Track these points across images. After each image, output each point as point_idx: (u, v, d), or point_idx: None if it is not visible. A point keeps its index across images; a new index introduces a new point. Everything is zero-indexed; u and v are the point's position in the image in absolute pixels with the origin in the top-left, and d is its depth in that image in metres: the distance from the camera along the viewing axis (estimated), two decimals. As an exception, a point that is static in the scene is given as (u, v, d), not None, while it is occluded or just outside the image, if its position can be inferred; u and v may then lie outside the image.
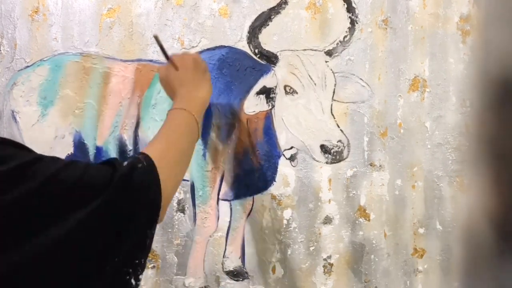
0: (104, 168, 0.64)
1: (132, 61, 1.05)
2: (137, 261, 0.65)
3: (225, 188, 1.06)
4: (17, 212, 0.55)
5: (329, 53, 1.05)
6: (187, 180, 1.06)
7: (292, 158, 1.06)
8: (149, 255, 1.05)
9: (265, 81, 1.05)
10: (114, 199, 0.62)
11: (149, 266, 1.06)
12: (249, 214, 1.06)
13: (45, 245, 0.56)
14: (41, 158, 0.60)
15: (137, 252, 0.65)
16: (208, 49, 1.05)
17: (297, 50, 1.05)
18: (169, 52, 0.91)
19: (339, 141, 1.04)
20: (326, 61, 1.05)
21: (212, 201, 1.06)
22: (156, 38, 0.88)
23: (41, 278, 0.57)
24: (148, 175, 0.67)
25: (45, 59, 1.05)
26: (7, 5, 1.05)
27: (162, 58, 1.04)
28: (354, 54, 1.06)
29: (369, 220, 1.07)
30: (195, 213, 1.06)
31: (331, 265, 1.07)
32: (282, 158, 1.06)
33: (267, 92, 1.05)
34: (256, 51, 1.04)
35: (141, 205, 0.65)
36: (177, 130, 0.79)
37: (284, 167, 1.06)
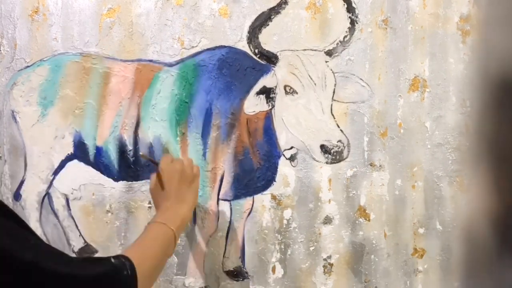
0: (92, 266, 0.67)
1: (132, 61, 1.05)
2: None
3: (225, 188, 1.06)
4: None
5: (329, 53, 1.05)
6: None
7: (292, 158, 1.06)
8: (149, 255, 1.05)
9: (265, 81, 1.05)
10: None
11: (149, 266, 1.06)
12: (249, 214, 1.06)
13: None
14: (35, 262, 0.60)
15: None
16: (208, 49, 1.05)
17: (297, 50, 1.05)
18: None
19: (339, 141, 1.04)
20: (326, 61, 1.05)
21: (212, 201, 1.06)
22: (143, 156, 0.96)
23: None
24: (129, 285, 0.70)
25: (45, 59, 1.05)
26: (7, 5, 1.05)
27: (163, 58, 1.05)
28: (354, 54, 1.06)
29: (369, 220, 1.07)
30: (195, 213, 1.06)
31: (331, 265, 1.07)
32: (282, 158, 1.06)
33: (267, 92, 1.05)
34: (256, 51, 1.04)
35: None
36: (155, 243, 0.82)
37: (284, 167, 1.06)
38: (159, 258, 0.81)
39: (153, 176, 0.91)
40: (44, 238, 1.05)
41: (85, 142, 1.05)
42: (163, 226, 0.84)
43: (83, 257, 0.66)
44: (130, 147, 1.05)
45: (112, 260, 0.70)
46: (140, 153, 1.01)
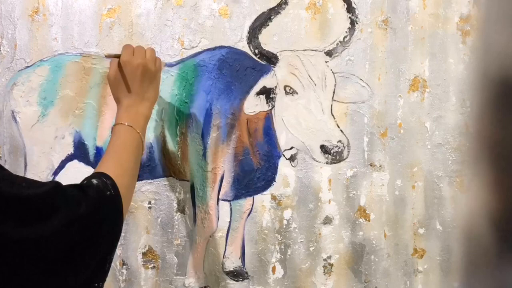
0: (74, 190, 0.68)
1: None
2: (96, 285, 0.68)
3: (225, 188, 1.06)
4: None
5: (329, 53, 1.05)
6: (187, 181, 1.06)
7: (292, 159, 1.06)
8: (149, 255, 1.05)
9: (265, 81, 1.05)
10: (81, 224, 0.65)
11: (149, 266, 1.06)
12: (249, 214, 1.06)
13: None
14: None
15: (96, 277, 0.69)
16: (208, 50, 1.05)
17: (297, 51, 1.05)
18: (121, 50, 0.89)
19: (339, 141, 1.04)
20: (326, 61, 1.05)
21: (212, 201, 1.06)
22: (107, 55, 0.91)
23: None
24: (114, 205, 0.72)
25: (45, 59, 1.05)
26: (7, 6, 1.05)
27: (163, 59, 1.05)
28: (354, 54, 1.06)
29: (369, 221, 1.07)
30: (195, 214, 1.06)
31: (331, 265, 1.07)
32: (282, 158, 1.06)
33: (267, 93, 1.05)
34: (256, 51, 1.04)
35: (104, 232, 0.69)
36: (126, 148, 0.82)
37: (284, 168, 1.06)
38: (134, 167, 0.81)
39: (114, 63, 0.88)
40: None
41: (85, 142, 1.05)
42: (130, 129, 0.83)
43: (54, 182, 0.67)
44: (130, 147, 1.05)
45: (94, 181, 0.71)
46: (104, 54, 0.95)
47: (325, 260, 1.07)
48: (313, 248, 1.06)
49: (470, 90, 0.96)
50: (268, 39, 1.05)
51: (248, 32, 1.05)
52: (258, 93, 1.05)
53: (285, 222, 1.06)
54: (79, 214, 0.64)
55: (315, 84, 1.04)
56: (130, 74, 0.86)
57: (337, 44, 1.05)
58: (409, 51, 1.06)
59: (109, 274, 1.05)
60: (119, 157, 0.80)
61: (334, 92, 1.05)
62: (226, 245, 1.06)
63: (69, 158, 1.05)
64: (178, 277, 1.06)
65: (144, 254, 1.06)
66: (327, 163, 1.06)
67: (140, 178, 1.05)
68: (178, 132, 1.05)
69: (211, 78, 1.05)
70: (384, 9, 1.06)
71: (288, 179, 1.06)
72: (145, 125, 0.88)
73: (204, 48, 1.05)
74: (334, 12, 1.05)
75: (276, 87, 1.05)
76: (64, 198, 0.65)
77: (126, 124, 0.83)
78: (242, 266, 1.06)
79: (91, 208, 0.66)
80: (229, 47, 1.05)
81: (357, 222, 1.07)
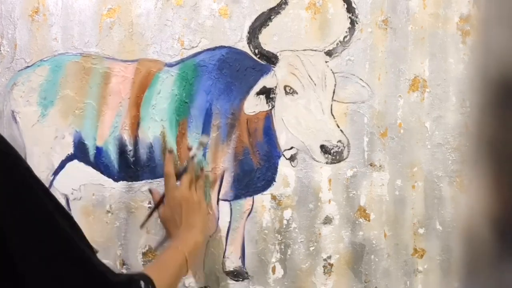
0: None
1: (132, 61, 1.05)
2: None
3: (225, 188, 1.06)
4: None
5: (329, 53, 1.05)
6: (187, 180, 1.06)
7: (292, 158, 1.06)
8: (149, 255, 1.05)
9: (265, 81, 1.05)
10: None
11: (149, 266, 1.06)
12: (249, 214, 1.06)
13: None
14: None
15: None
16: (208, 50, 1.05)
17: (297, 50, 1.05)
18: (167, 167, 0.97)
19: (339, 141, 1.04)
20: (326, 61, 1.05)
21: (212, 201, 1.06)
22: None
23: None
24: None
25: (45, 59, 1.05)
26: (7, 6, 1.05)
27: (163, 59, 1.05)
28: (354, 54, 1.06)
29: (369, 221, 1.07)
30: (195, 214, 1.06)
31: (331, 265, 1.07)
32: (282, 158, 1.06)
33: (267, 93, 1.05)
34: (256, 51, 1.04)
35: None
36: (169, 265, 0.87)
37: (284, 167, 1.06)
38: (173, 280, 0.86)
39: (161, 206, 0.97)
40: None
41: (85, 142, 1.05)
42: (175, 249, 0.89)
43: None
44: (130, 147, 1.05)
45: (139, 281, 0.74)
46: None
47: (325, 260, 1.07)
48: (313, 248, 1.06)
49: (470, 90, 0.96)
50: (268, 39, 1.05)
51: (248, 32, 1.05)
52: (258, 93, 1.05)
53: (285, 222, 1.06)
54: None
55: (315, 84, 1.04)
56: (174, 209, 0.94)
57: (337, 44, 1.05)
58: (409, 51, 1.06)
59: (109, 274, 1.05)
60: (160, 267, 0.85)
61: (334, 92, 1.05)
62: (226, 245, 1.06)
63: (69, 158, 1.05)
64: (178, 277, 1.06)
65: (144, 254, 1.06)
66: (327, 163, 1.06)
67: (140, 178, 1.05)
68: (178, 132, 1.05)
69: (211, 78, 1.05)
70: (384, 9, 1.06)
71: (288, 179, 1.06)
72: (194, 248, 0.91)
73: (204, 48, 1.05)
74: (334, 12, 1.05)
75: (276, 87, 1.05)
76: None
77: (174, 247, 0.90)
78: (242, 266, 1.06)
79: None
80: (229, 47, 1.05)
81: (357, 222, 1.07)
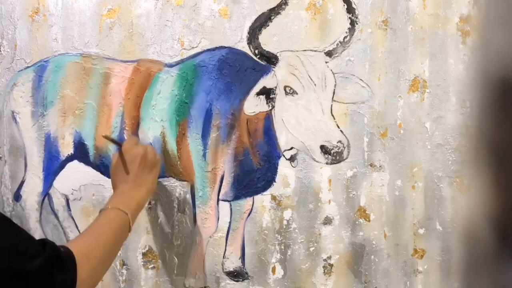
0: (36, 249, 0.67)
1: (132, 61, 1.05)
2: None
3: (225, 188, 1.06)
4: None
5: (329, 53, 1.05)
6: (187, 181, 1.06)
7: (292, 159, 1.06)
8: (149, 255, 1.05)
9: (265, 81, 1.05)
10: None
11: (149, 267, 1.06)
12: (249, 214, 1.06)
13: None
14: None
15: None
16: (208, 50, 1.05)
17: (297, 51, 1.05)
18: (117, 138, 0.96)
19: (339, 141, 1.04)
20: (326, 62, 1.05)
21: (212, 201, 1.06)
22: (105, 137, 0.96)
23: None
24: (67, 276, 0.69)
25: (45, 59, 1.05)
26: (7, 6, 1.05)
27: (163, 59, 1.05)
28: (354, 54, 1.06)
29: (369, 221, 1.07)
30: (195, 214, 1.06)
31: (331, 265, 1.07)
32: (282, 158, 1.06)
33: (267, 93, 1.05)
34: (256, 51, 1.04)
35: None
36: (107, 230, 0.81)
37: (284, 168, 1.06)
38: (111, 245, 0.80)
39: (115, 156, 0.93)
40: (44, 239, 1.05)
41: (85, 142, 1.05)
42: (117, 211, 0.83)
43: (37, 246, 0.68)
44: (130, 147, 1.05)
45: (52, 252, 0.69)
46: (103, 134, 1.00)
47: (325, 260, 1.07)
48: (313, 248, 1.06)
49: (470, 91, 0.96)
50: (268, 40, 1.05)
51: (248, 33, 1.05)
52: (258, 94, 1.05)
53: (285, 222, 1.06)
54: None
55: (315, 85, 1.04)
56: (130, 161, 0.90)
57: (337, 44, 1.05)
58: (409, 51, 1.06)
59: (109, 274, 1.05)
60: (95, 234, 0.79)
61: (334, 93, 1.05)
62: (226, 245, 1.06)
63: (69, 158, 1.05)
64: (178, 277, 1.06)
65: (144, 254, 1.06)
66: (327, 163, 1.06)
67: (140, 178, 1.05)
68: (178, 132, 1.05)
69: (211, 79, 1.05)
70: (384, 9, 1.06)
71: (288, 179, 1.06)
72: (136, 209, 0.88)
73: (204, 49, 1.05)
74: (334, 12, 1.05)
75: (276, 87, 1.05)
76: None
77: (115, 207, 0.84)
78: (242, 266, 1.06)
79: (40, 274, 0.66)
80: (229, 48, 1.05)
81: (357, 222, 1.07)
